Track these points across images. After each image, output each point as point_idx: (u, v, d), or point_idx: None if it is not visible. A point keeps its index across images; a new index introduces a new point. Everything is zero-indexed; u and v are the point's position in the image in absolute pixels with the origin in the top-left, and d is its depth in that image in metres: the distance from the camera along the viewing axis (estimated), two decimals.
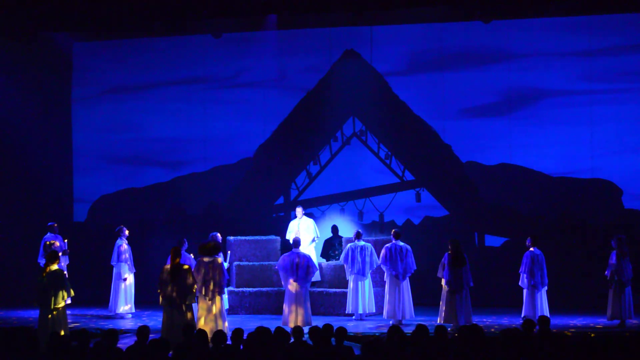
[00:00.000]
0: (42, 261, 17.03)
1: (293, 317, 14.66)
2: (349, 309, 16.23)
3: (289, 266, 14.77)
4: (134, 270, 16.77)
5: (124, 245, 16.62)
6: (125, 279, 16.54)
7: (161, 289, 12.94)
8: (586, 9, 18.81)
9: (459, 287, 14.89)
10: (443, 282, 15.10)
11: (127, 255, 16.60)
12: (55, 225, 17.33)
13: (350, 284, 16.19)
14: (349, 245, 16.29)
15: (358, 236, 16.26)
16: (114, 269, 16.65)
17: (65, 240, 16.95)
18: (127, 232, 16.77)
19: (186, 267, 13.08)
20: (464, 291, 14.95)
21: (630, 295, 15.22)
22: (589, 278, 18.23)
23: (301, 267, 14.73)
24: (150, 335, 10.24)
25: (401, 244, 15.71)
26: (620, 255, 15.15)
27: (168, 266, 13.07)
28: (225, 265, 15.15)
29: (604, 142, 19.06)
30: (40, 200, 20.54)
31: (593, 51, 19.11)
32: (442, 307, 15.03)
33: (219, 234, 16.05)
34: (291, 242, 17.06)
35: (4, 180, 20.65)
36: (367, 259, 16.06)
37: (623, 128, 19.02)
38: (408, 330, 10.96)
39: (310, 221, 17.57)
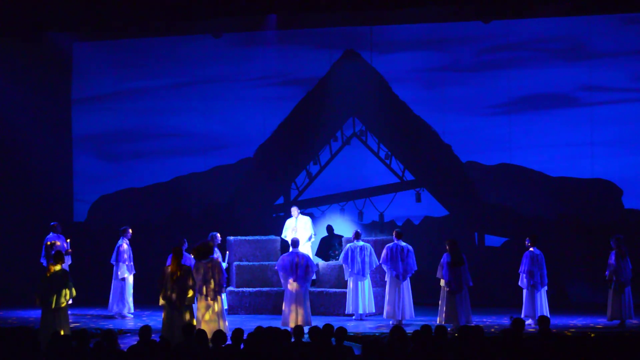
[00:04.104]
0: (44, 261, 17.08)
1: (293, 317, 14.67)
2: (349, 309, 16.22)
3: (288, 266, 14.80)
4: (134, 271, 16.73)
5: (124, 245, 16.60)
6: (123, 279, 16.52)
7: (162, 289, 12.95)
8: (587, 9, 18.80)
9: (459, 287, 14.92)
10: (442, 282, 15.10)
11: (126, 255, 16.58)
12: (58, 225, 17.37)
13: (350, 284, 16.18)
14: (348, 245, 16.29)
15: (357, 236, 16.26)
16: (114, 268, 16.66)
17: (68, 240, 16.93)
18: (130, 233, 16.75)
19: (187, 267, 13.10)
20: (464, 291, 14.98)
21: (630, 295, 15.22)
22: (589, 278, 18.23)
23: (300, 266, 14.77)
24: (152, 335, 10.24)
25: (403, 244, 15.71)
26: (620, 255, 15.16)
27: (169, 267, 13.09)
28: (224, 265, 15.16)
29: (604, 142, 19.05)
30: (40, 200, 20.54)
31: (594, 51, 19.11)
32: (442, 307, 15.04)
33: (218, 234, 16.06)
34: (289, 241, 17.12)
35: (4, 180, 20.65)
36: (367, 259, 16.06)
37: (623, 128, 19.01)
38: (408, 330, 10.96)
39: (306, 219, 17.59)
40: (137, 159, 20.96)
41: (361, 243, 16.14)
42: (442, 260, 15.11)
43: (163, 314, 13.04)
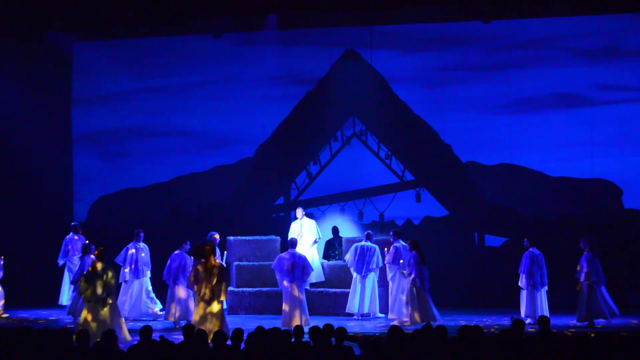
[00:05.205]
0: (61, 261, 17.17)
1: (292, 317, 14.73)
2: (348, 307, 16.25)
3: (284, 267, 14.89)
4: (143, 276, 16.47)
5: (132, 249, 16.47)
6: (123, 282, 16.39)
7: (196, 285, 13.40)
8: (587, 9, 18.80)
9: (428, 284, 15.03)
10: (412, 277, 15.02)
11: (134, 258, 16.42)
12: (79, 225, 17.52)
13: (352, 282, 16.25)
14: (355, 244, 16.34)
15: (367, 237, 16.34)
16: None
17: (87, 242, 16.94)
18: (142, 236, 16.63)
19: (220, 264, 13.60)
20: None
21: (607, 294, 15.30)
22: None
23: (297, 267, 14.85)
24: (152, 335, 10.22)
25: (404, 243, 15.88)
26: (592, 256, 15.26)
27: (201, 264, 13.49)
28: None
29: (604, 142, 19.05)
30: (40, 200, 20.54)
31: (594, 51, 19.10)
32: (418, 306, 14.99)
33: (215, 235, 16.03)
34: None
35: (4, 180, 20.66)
36: (367, 258, 16.10)
37: (623, 128, 19.01)
38: (408, 330, 10.97)
39: (311, 222, 17.57)
40: (137, 158, 20.95)
41: (368, 243, 16.20)
42: (411, 260, 15.10)
43: (195, 308, 13.57)
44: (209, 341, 10.21)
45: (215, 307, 13.34)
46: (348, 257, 16.31)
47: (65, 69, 21.10)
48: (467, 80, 19.67)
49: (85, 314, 13.48)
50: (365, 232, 16.54)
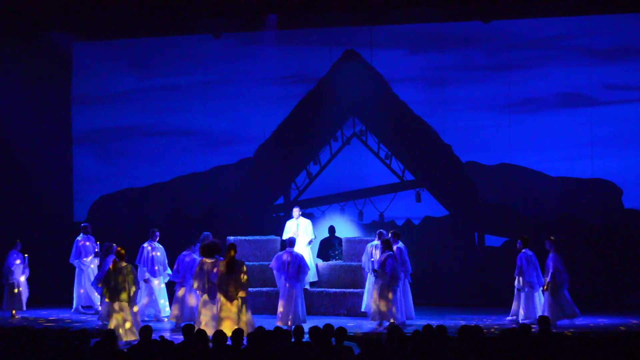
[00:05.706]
0: (74, 261, 17.14)
1: (286, 314, 14.76)
2: (364, 306, 16.26)
3: (280, 265, 14.94)
4: (160, 275, 16.31)
5: (148, 247, 16.41)
6: (143, 281, 16.27)
7: (218, 283, 13.56)
8: (587, 9, 18.81)
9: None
10: (390, 276, 15.04)
11: (149, 257, 16.35)
12: (88, 226, 17.50)
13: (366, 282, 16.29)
14: (368, 244, 16.33)
15: (379, 236, 16.34)
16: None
17: (97, 242, 16.91)
18: (157, 235, 16.55)
19: (241, 262, 13.74)
20: None
21: (569, 295, 15.30)
22: (589, 278, 18.23)
23: (292, 265, 14.86)
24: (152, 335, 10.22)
25: (402, 245, 15.90)
26: (557, 256, 15.27)
27: (223, 261, 13.65)
28: None
29: (604, 142, 19.06)
30: (40, 200, 20.54)
31: (593, 50, 19.11)
32: (398, 305, 15.04)
33: (210, 235, 15.97)
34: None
35: (4, 180, 20.66)
36: (376, 257, 16.12)
37: (623, 128, 19.01)
38: (409, 330, 10.98)
39: (307, 222, 17.56)
40: (137, 158, 20.96)
41: (378, 242, 16.20)
42: (389, 260, 15.05)
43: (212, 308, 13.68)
44: (209, 341, 10.21)
45: (240, 303, 13.43)
46: (364, 258, 16.30)
47: (65, 69, 21.12)
48: (467, 80, 19.67)
49: (111, 315, 13.59)
50: (377, 231, 16.54)
